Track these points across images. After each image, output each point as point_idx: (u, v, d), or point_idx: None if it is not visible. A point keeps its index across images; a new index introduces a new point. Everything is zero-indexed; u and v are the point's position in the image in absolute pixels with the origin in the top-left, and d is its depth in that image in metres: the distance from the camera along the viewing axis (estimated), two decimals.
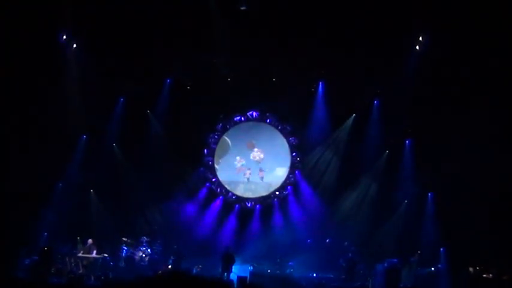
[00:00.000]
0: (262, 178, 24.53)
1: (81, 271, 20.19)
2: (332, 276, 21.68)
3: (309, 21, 20.32)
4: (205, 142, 24.78)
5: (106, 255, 21.44)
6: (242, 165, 24.65)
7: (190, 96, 23.65)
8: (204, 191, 24.41)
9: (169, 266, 21.20)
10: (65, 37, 21.04)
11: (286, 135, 24.76)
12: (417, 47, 21.09)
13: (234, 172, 24.58)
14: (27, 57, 18.97)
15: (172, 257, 21.50)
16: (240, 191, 24.57)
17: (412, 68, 21.16)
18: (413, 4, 19.05)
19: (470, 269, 20.07)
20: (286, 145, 24.74)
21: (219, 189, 24.66)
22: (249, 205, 24.55)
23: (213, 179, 24.80)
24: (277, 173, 24.65)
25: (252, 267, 21.49)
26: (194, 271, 20.91)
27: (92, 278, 18.95)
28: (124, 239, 22.28)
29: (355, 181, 23.78)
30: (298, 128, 24.48)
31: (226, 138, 24.72)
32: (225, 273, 20.20)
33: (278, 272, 22.00)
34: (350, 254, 21.20)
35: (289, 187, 24.59)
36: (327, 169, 24.08)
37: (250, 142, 24.55)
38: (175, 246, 22.01)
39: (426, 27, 20.27)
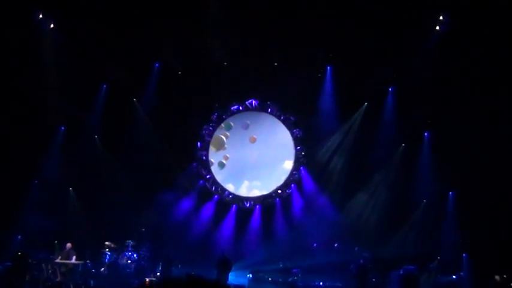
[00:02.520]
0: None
1: (58, 279, 20.25)
2: (341, 285, 21.77)
3: None
4: (198, 134, 24.89)
5: (87, 261, 21.55)
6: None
7: (181, 83, 23.76)
8: (197, 190, 24.52)
9: (158, 274, 21.30)
10: (41, 16, 21.13)
11: (289, 127, 24.89)
12: (437, 27, 21.26)
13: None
14: None
15: (161, 264, 21.56)
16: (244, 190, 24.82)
17: (431, 50, 21.27)
18: None
19: (497, 277, 19.98)
20: (290, 138, 24.86)
21: (214, 188, 24.81)
22: (248, 205, 24.69)
23: (208, 176, 24.93)
24: (279, 169, 24.79)
25: (251, 275, 21.62)
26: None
27: (71, 286, 19.02)
28: (107, 243, 22.32)
29: (367, 178, 23.88)
30: (303, 119, 24.60)
31: (221, 136, 24.90)
32: (221, 281, 19.74)
33: (280, 280, 22.04)
34: (361, 260, 21.22)
35: (292, 185, 24.69)
36: (335, 165, 24.17)
37: (252, 136, 24.72)
38: (164, 251, 22.07)
39: (448, 4, 20.48)
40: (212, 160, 24.84)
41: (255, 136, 24.77)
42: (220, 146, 24.83)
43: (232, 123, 24.91)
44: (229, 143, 24.98)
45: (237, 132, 24.98)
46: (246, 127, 24.78)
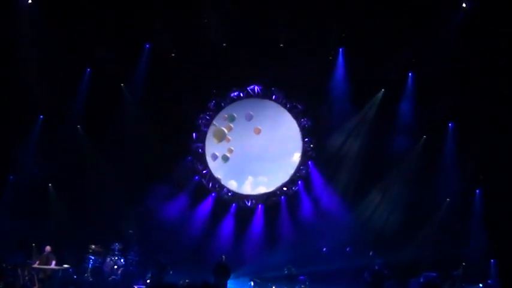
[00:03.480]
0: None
1: (36, 286, 20.10)
2: None
3: None
4: (193, 124, 24.68)
5: (68, 266, 21.31)
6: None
7: (175, 67, 23.58)
8: (192, 186, 24.29)
9: (148, 281, 21.04)
10: None
11: (296, 116, 24.60)
12: (464, 4, 21.09)
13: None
14: None
15: (151, 270, 21.33)
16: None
17: (456, 30, 21.15)
18: None
19: None
20: (297, 128, 24.56)
21: (211, 184, 24.63)
22: (249, 204, 24.49)
23: (204, 171, 24.69)
24: (287, 163, 24.54)
25: (252, 283, 21.59)
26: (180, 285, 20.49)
27: None
28: (91, 246, 22.13)
29: (383, 174, 23.57)
30: (311, 107, 24.34)
31: (223, 128, 24.68)
32: None
33: None
34: (376, 267, 20.94)
35: (299, 181, 24.43)
36: (347, 159, 23.88)
37: (257, 127, 24.51)
38: (155, 256, 21.80)
39: None
40: (216, 153, 24.69)
41: (259, 127, 24.62)
42: (223, 137, 24.68)
43: (235, 115, 24.74)
44: (233, 135, 24.73)
45: (240, 123, 24.77)
46: (250, 118, 24.62)
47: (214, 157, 24.62)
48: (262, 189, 24.54)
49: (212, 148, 24.67)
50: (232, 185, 24.66)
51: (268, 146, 24.46)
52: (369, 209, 23.54)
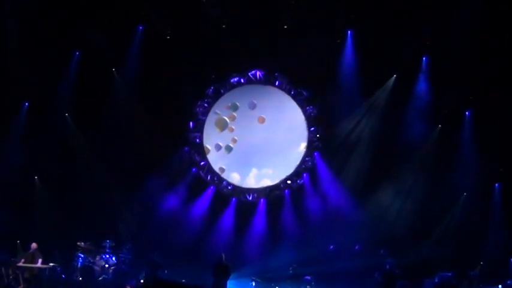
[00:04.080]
0: None
1: (21, 286, 19.86)
2: None
3: None
4: (191, 112, 24.53)
5: (55, 264, 21.14)
6: None
7: (170, 50, 23.38)
8: (189, 179, 24.13)
9: (142, 281, 20.77)
10: None
11: (301, 103, 24.44)
12: None
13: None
14: None
15: (145, 269, 21.23)
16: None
17: (474, 10, 20.88)
18: None
19: None
20: (302, 117, 24.42)
21: (209, 177, 24.51)
22: (250, 198, 24.39)
23: (202, 163, 24.54)
24: (294, 155, 24.40)
25: (253, 283, 21.48)
26: None
27: None
28: (80, 243, 21.86)
29: (395, 166, 23.42)
30: (317, 94, 24.13)
31: (225, 118, 24.51)
32: None
33: None
34: (388, 266, 20.49)
35: (305, 174, 24.26)
36: (356, 150, 23.68)
37: (261, 116, 24.33)
38: (149, 254, 21.66)
39: None
40: (220, 143, 24.53)
41: (263, 116, 24.48)
42: (225, 126, 24.59)
43: (238, 104, 24.56)
44: (236, 124, 24.61)
45: (244, 112, 24.64)
46: (253, 107, 24.54)
47: (218, 147, 24.53)
48: (267, 182, 24.54)
49: (214, 138, 24.61)
50: (234, 177, 24.57)
51: (273, 136, 24.40)
52: (380, 204, 23.37)
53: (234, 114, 24.59)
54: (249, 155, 24.55)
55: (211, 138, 24.52)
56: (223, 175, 24.48)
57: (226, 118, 24.57)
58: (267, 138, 24.37)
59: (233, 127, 24.54)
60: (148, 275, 20.81)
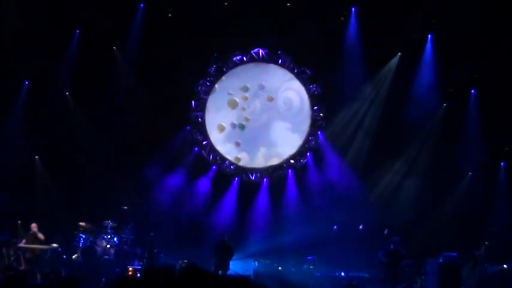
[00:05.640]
0: None
1: (22, 267, 19.75)
2: (367, 275, 21.70)
3: None
4: (192, 91, 24.51)
5: (57, 245, 21.13)
6: None
7: (172, 28, 23.34)
8: (191, 159, 24.18)
9: (144, 260, 21.26)
10: None
11: (304, 82, 24.45)
12: None
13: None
14: None
15: (146, 250, 21.53)
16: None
17: None
18: None
19: None
20: (305, 96, 24.42)
21: (212, 156, 24.53)
22: (253, 178, 24.44)
23: (204, 142, 24.56)
24: (292, 135, 24.50)
25: (256, 263, 21.68)
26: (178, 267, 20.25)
27: (38, 276, 17.97)
28: (81, 223, 21.91)
29: (399, 145, 23.54)
30: (321, 72, 24.12)
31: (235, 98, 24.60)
32: (220, 271, 19.92)
33: (293, 269, 21.87)
34: (392, 246, 20.60)
35: (308, 153, 24.33)
36: (361, 129, 23.77)
37: (270, 96, 24.51)
38: (151, 234, 21.96)
39: None
40: (235, 121, 24.63)
41: (272, 96, 24.59)
42: (235, 104, 24.68)
43: (248, 85, 24.68)
44: (247, 104, 24.77)
45: (253, 92, 24.72)
46: (262, 88, 24.65)
47: (233, 126, 24.60)
48: (276, 161, 24.58)
49: (221, 117, 24.67)
50: (243, 157, 24.64)
51: (281, 114, 24.50)
52: (384, 183, 23.45)
53: (246, 95, 24.67)
54: (257, 135, 24.62)
55: (215, 117, 24.61)
56: (238, 148, 24.43)
57: (236, 99, 24.63)
58: (276, 118, 24.50)
59: (244, 106, 24.68)
60: (148, 257, 21.11)
